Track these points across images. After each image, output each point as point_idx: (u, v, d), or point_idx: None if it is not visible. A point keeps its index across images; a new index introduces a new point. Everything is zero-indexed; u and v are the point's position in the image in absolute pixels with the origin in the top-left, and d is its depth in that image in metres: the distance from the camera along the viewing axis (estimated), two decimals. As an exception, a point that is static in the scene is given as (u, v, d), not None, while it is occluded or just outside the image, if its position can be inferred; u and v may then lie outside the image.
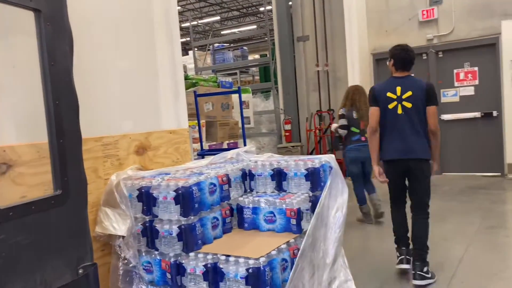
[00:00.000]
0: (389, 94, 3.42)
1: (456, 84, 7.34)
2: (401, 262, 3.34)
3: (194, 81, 5.86)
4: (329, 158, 2.81)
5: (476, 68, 7.15)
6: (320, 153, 7.88)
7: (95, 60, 2.63)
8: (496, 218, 4.73)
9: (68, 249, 1.75)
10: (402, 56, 3.60)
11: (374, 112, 3.40)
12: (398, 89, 3.44)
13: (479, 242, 3.93)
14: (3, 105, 2.01)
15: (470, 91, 7.23)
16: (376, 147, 3.38)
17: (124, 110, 2.85)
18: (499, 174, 6.92)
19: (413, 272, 3.16)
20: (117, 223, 2.45)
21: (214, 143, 6.21)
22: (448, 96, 7.42)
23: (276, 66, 9.01)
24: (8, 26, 2.05)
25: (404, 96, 3.39)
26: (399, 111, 3.35)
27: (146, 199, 2.51)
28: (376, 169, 3.43)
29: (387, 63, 3.76)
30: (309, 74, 8.68)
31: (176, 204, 2.39)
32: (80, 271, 1.79)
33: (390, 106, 3.39)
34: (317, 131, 8.31)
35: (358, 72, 7.47)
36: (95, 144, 2.58)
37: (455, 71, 7.32)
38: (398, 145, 3.32)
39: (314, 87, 8.61)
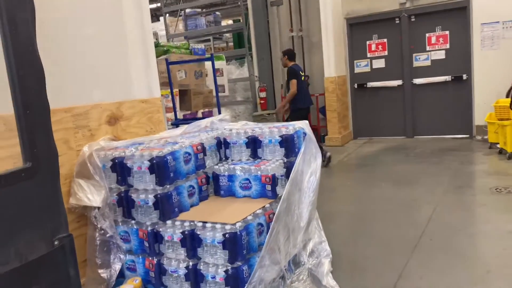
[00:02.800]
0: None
1: (428, 48, 7.42)
2: None
3: (165, 48, 5.71)
4: (303, 125, 2.84)
5: (447, 32, 7.23)
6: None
7: (60, 27, 2.53)
8: (464, 178, 4.93)
9: (41, 221, 1.73)
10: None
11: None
12: None
13: (447, 201, 4.11)
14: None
15: (441, 55, 7.33)
16: None
17: (94, 79, 2.77)
18: (468, 136, 7.15)
19: None
20: (91, 194, 2.43)
21: (189, 112, 6.14)
22: (420, 60, 7.51)
23: (250, 32, 8.86)
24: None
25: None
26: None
27: (120, 169, 2.50)
28: None
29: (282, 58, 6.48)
30: (283, 40, 8.58)
31: (151, 174, 2.39)
32: (56, 242, 1.78)
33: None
34: (292, 97, 8.32)
35: (332, 37, 7.43)
36: (65, 115, 2.52)
37: (427, 35, 7.38)
38: None
39: (288, 53, 8.55)
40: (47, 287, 1.71)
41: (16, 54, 1.65)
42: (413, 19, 7.48)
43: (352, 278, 2.76)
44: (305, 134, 2.79)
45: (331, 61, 7.48)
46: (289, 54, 6.43)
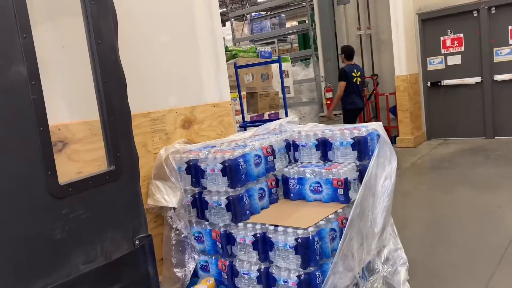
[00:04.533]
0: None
1: (511, 42, 6.84)
2: None
3: (233, 52, 5.82)
4: (377, 126, 2.73)
5: (533, 23, 6.63)
6: (364, 121, 7.69)
7: (137, 36, 2.66)
8: (556, 183, 4.47)
9: (124, 221, 1.83)
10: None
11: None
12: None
13: (537, 208, 3.74)
14: (56, 85, 2.08)
15: (528, 48, 6.74)
16: None
17: (169, 85, 2.88)
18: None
19: None
20: (168, 195, 2.52)
21: (255, 114, 6.20)
22: (501, 55, 6.95)
23: (316, 32, 8.75)
24: (55, 8, 2.10)
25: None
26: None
27: (195, 171, 2.56)
28: None
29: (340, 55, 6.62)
30: (350, 39, 8.37)
31: (223, 176, 2.43)
32: (137, 242, 1.87)
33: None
34: (360, 97, 8.09)
35: (403, 34, 7.11)
36: (143, 120, 2.64)
37: (510, 27, 6.81)
38: None
39: (356, 52, 8.32)
40: (129, 285, 1.80)
41: (101, 63, 1.75)
42: (493, 11, 6.94)
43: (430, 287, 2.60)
44: (378, 136, 2.68)
45: (402, 59, 7.16)
46: (347, 53, 6.33)
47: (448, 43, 7.43)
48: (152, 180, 2.61)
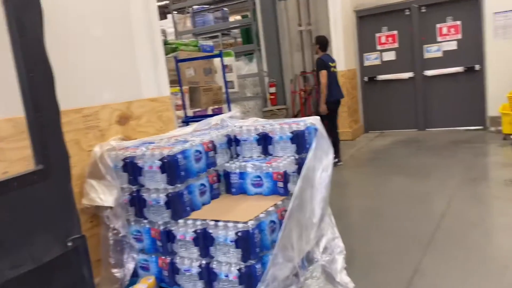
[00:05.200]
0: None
1: (439, 39, 7.30)
2: None
3: (174, 46, 5.70)
4: (314, 120, 2.80)
5: (459, 22, 7.10)
6: (306, 115, 7.88)
7: (68, 29, 2.53)
8: (478, 170, 4.85)
9: (55, 223, 1.74)
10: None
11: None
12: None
13: (462, 194, 4.04)
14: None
15: (453, 45, 7.20)
16: None
17: (103, 80, 2.77)
18: (481, 127, 7.03)
19: None
20: (103, 194, 2.44)
21: (199, 109, 6.13)
22: (431, 51, 7.39)
23: (258, 27, 8.81)
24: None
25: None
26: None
27: (132, 169, 2.50)
28: None
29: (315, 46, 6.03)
30: (291, 35, 8.51)
31: (162, 173, 2.39)
32: (69, 244, 1.79)
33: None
34: (302, 92, 8.26)
35: (341, 31, 7.36)
36: (75, 116, 2.53)
37: (437, 25, 7.26)
38: None
39: (297, 47, 8.46)
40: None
41: (25, 56, 1.65)
42: (423, 10, 7.36)
43: (366, 274, 2.73)
44: (316, 130, 2.76)
45: (341, 55, 7.40)
46: (321, 43, 5.97)
47: (383, 39, 7.78)
48: (87, 179, 2.51)
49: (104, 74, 2.77)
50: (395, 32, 7.66)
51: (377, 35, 7.81)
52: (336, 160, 5.65)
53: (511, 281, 2.51)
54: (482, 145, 6.06)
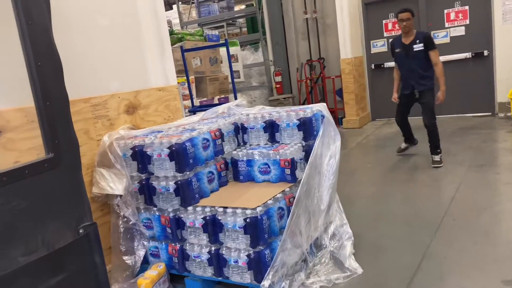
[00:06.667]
0: None
1: (446, 25, 7.21)
2: None
3: (180, 36, 5.69)
4: (321, 107, 2.80)
5: (466, 7, 6.99)
6: (312, 103, 7.85)
7: (74, 19, 2.54)
8: (487, 156, 4.81)
9: (66, 210, 1.77)
10: None
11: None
12: None
13: (470, 180, 4.02)
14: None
15: (460, 31, 7.10)
16: None
17: (111, 69, 2.79)
18: (490, 113, 6.96)
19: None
20: (113, 183, 2.47)
21: (205, 99, 6.15)
22: (438, 38, 7.30)
23: (263, 16, 8.76)
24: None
25: None
26: None
27: (141, 157, 2.52)
28: None
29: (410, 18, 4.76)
30: (297, 23, 8.45)
31: (171, 161, 2.41)
32: (81, 231, 1.82)
33: None
34: (308, 81, 8.22)
35: (347, 18, 7.28)
36: (84, 106, 2.54)
37: (445, 11, 7.16)
38: None
39: (303, 35, 8.41)
40: (75, 274, 1.75)
41: (33, 46, 1.66)
42: (426, -4, 7.26)
43: (375, 259, 2.74)
44: (323, 116, 2.76)
45: (347, 42, 7.34)
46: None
47: (390, 26, 7.69)
48: (96, 168, 2.53)
49: (111, 64, 2.78)
50: (402, 18, 7.56)
51: (384, 21, 7.72)
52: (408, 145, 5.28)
53: (520, 265, 2.50)
54: (491, 131, 6.00)
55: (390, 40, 5.48)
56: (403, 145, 5.32)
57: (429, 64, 4.62)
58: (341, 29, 7.32)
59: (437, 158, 4.65)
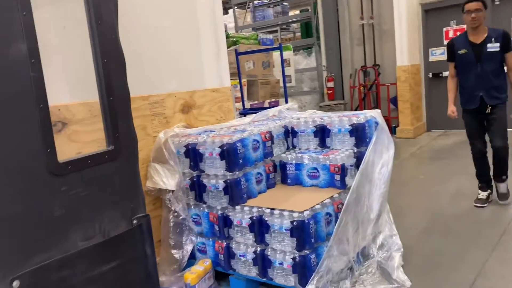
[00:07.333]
0: None
1: (514, 33, 6.83)
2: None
3: (234, 39, 5.81)
4: (375, 114, 2.75)
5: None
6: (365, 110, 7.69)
7: (139, 20, 2.66)
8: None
9: (122, 201, 1.86)
10: None
11: None
12: None
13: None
14: (57, 65, 2.09)
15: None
16: None
17: (169, 69, 2.89)
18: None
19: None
20: (166, 178, 2.55)
21: (256, 102, 6.21)
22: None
23: (319, 21, 8.71)
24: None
25: None
26: None
27: (193, 155, 2.59)
28: None
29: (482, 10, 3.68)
30: (353, 28, 8.33)
31: (221, 160, 2.46)
32: (134, 221, 1.90)
33: None
34: (362, 87, 8.07)
35: (406, 24, 7.08)
36: (142, 103, 2.66)
37: (513, 18, 6.79)
38: None
39: (358, 41, 8.27)
40: (127, 262, 1.83)
41: (101, 44, 1.76)
42: (497, 3, 6.89)
43: (424, 273, 2.64)
44: (377, 123, 2.70)
45: (404, 49, 7.14)
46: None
47: (451, 34, 7.38)
48: (151, 163, 2.63)
49: (170, 64, 2.89)
50: (464, 26, 7.24)
51: (445, 29, 7.42)
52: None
53: None
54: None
55: (447, 41, 4.50)
56: (483, 193, 3.83)
57: (503, 70, 3.64)
58: (398, 35, 7.14)
59: (503, 188, 3.75)
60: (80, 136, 2.19)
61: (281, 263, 2.26)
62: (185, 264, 2.62)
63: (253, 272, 2.40)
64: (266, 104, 6.31)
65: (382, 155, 2.69)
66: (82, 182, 1.66)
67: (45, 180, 1.51)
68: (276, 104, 6.27)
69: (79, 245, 1.64)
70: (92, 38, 1.73)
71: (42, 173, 1.50)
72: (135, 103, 2.55)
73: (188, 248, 2.62)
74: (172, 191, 2.57)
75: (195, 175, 2.63)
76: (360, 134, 2.65)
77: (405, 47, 7.13)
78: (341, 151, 2.65)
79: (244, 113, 5.21)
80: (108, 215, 1.78)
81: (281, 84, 5.71)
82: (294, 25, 11.60)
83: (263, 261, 2.34)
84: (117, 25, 1.84)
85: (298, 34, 11.44)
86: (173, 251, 2.61)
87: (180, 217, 2.60)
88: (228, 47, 5.27)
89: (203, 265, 2.49)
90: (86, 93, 2.13)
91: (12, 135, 1.41)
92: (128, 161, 1.89)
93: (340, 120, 2.71)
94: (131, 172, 1.92)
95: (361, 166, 2.50)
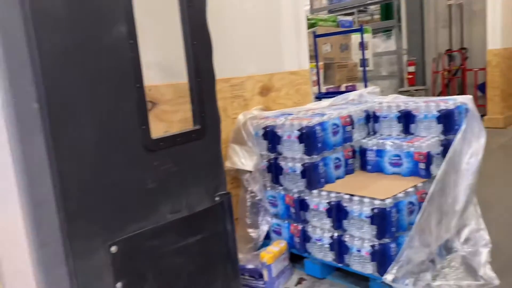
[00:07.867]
0: None
1: None
2: None
3: (313, 21, 5.71)
4: (466, 99, 2.56)
5: None
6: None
7: (225, 3, 2.71)
8: None
9: (206, 178, 1.93)
10: None
11: None
12: None
13: None
14: (147, 47, 2.20)
15: None
16: None
17: (249, 52, 2.92)
18: None
19: None
20: (244, 159, 2.61)
21: (332, 86, 6.09)
22: None
23: (400, 2, 8.27)
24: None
25: None
26: None
27: (271, 137, 2.61)
28: None
29: None
30: (439, 9, 7.79)
31: (300, 143, 2.45)
32: (217, 198, 1.97)
33: None
34: (446, 72, 7.56)
35: (500, 4, 6.47)
36: (224, 85, 2.72)
37: None
38: None
39: (444, 23, 7.73)
40: (209, 237, 1.91)
41: (191, 25, 1.82)
42: None
43: (514, 273, 2.45)
44: (467, 110, 2.52)
45: (497, 31, 6.53)
46: None
47: (554, 13, 6.63)
48: (230, 144, 2.70)
49: (251, 47, 2.91)
50: None
51: (547, 7, 6.68)
52: None
53: None
54: None
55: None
56: None
57: None
58: (491, 16, 6.55)
59: None
60: (167, 116, 2.31)
61: (359, 250, 2.22)
62: (260, 243, 2.68)
63: (329, 257, 2.38)
64: (343, 88, 6.16)
65: (471, 144, 2.51)
66: (172, 158, 1.75)
67: (140, 154, 1.61)
68: (353, 88, 6.10)
69: (168, 217, 1.73)
70: (183, 19, 1.79)
71: (138, 148, 1.60)
72: (218, 85, 2.58)
73: (264, 228, 2.67)
74: (250, 172, 2.62)
75: (272, 157, 2.65)
76: (448, 121, 2.50)
77: (498, 29, 6.53)
78: (427, 138, 2.52)
79: (320, 97, 5.15)
80: (194, 191, 1.86)
81: (359, 68, 5.53)
82: (372, 7, 11.12)
83: (340, 247, 2.32)
84: (206, 7, 1.89)
85: (376, 16, 10.95)
86: (250, 230, 2.68)
87: (257, 198, 2.65)
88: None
89: (278, 246, 2.52)
90: (174, 75, 2.23)
91: (115, 111, 1.51)
92: (212, 141, 1.96)
93: (426, 105, 2.57)
94: (214, 151, 1.98)
95: (448, 155, 2.36)
